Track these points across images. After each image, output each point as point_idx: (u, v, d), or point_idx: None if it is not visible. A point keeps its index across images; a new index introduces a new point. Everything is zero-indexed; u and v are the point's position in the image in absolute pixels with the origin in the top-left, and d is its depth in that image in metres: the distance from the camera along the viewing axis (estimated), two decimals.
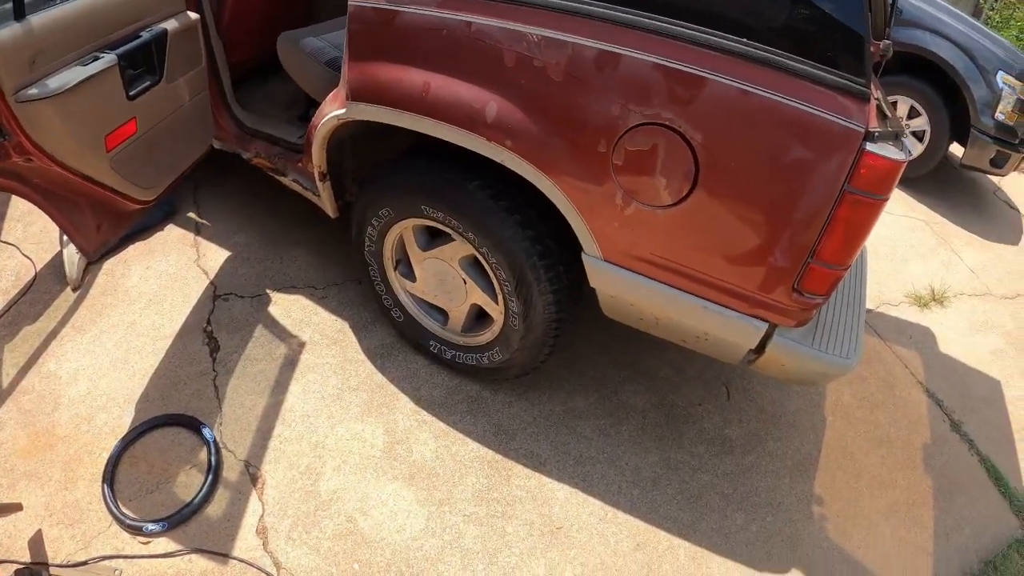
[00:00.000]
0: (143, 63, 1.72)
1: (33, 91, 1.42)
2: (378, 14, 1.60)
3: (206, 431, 1.87)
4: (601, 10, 1.41)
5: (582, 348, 2.36)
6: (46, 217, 1.71)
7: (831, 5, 1.30)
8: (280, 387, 2.04)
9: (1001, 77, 3.75)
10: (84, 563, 1.58)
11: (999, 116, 3.79)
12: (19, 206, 2.50)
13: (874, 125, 1.33)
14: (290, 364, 2.11)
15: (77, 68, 1.51)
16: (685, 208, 1.45)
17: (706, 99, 1.35)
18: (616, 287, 1.67)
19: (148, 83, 1.74)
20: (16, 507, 1.61)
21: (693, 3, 1.37)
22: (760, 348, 1.60)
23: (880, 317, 3.00)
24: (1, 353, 2.00)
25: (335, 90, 1.82)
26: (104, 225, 1.85)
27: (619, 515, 1.91)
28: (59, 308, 2.16)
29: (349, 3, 1.62)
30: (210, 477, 1.77)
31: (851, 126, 1.29)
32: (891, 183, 1.33)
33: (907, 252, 3.58)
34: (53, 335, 2.07)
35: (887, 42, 1.73)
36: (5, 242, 2.35)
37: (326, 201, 2.08)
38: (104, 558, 1.59)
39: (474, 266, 1.91)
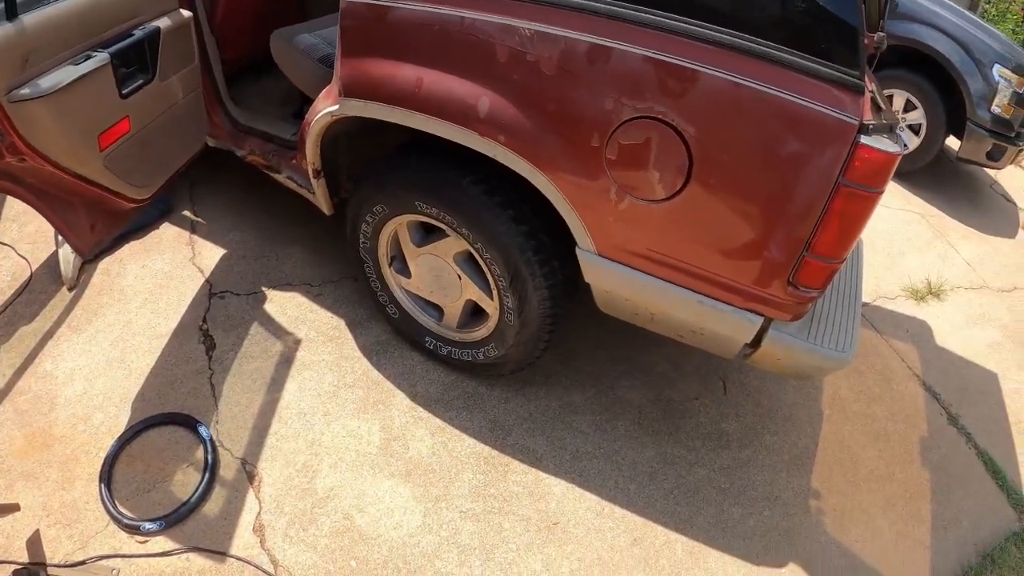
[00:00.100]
0: (136, 61, 1.71)
1: (25, 91, 1.42)
2: (370, 10, 1.59)
3: (202, 429, 1.87)
4: (593, 4, 1.40)
5: (578, 343, 2.36)
6: (41, 217, 1.71)
7: None
8: (276, 385, 2.04)
9: (997, 70, 3.75)
10: (82, 563, 1.58)
11: (995, 109, 3.80)
12: (14, 206, 2.49)
13: (868, 118, 1.33)
14: (286, 361, 2.11)
15: (69, 67, 1.51)
16: (679, 202, 1.45)
17: (699, 92, 1.35)
18: (611, 282, 1.66)
19: (141, 81, 1.73)
20: (13, 507, 1.60)
21: None
22: (756, 342, 1.60)
23: (877, 311, 3.00)
24: None
25: (328, 87, 1.82)
26: (99, 224, 1.84)
27: (616, 510, 1.91)
28: (55, 308, 2.15)
29: None
30: (207, 475, 1.77)
31: (845, 119, 1.29)
32: (886, 176, 1.32)
33: (904, 245, 3.58)
34: (49, 335, 2.07)
35: (881, 34, 1.73)
36: (1, 242, 2.35)
37: (321, 198, 2.08)
38: (102, 557, 1.59)
39: (469, 262, 1.91)
